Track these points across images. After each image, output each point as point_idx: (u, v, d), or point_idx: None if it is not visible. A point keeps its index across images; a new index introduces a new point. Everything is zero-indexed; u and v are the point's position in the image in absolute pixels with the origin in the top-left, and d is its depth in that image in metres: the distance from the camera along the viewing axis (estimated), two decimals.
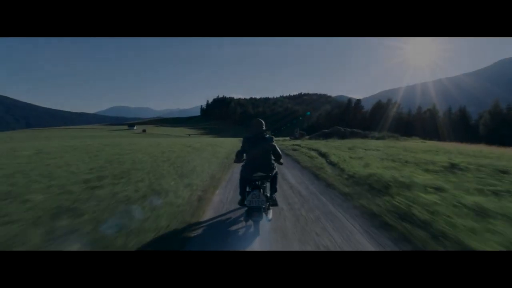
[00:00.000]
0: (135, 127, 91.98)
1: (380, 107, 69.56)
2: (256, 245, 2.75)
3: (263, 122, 3.36)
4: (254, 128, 3.33)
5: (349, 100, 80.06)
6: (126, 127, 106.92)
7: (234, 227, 3.26)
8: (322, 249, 2.69)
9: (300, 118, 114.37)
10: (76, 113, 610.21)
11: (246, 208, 3.00)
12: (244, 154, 3.43)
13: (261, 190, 3.01)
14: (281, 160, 3.41)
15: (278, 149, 3.36)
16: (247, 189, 3.23)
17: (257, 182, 3.11)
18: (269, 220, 3.15)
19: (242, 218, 3.43)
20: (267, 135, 3.36)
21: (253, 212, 2.86)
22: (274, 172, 3.38)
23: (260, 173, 3.14)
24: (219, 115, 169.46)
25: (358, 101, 76.88)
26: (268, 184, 3.36)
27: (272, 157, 3.37)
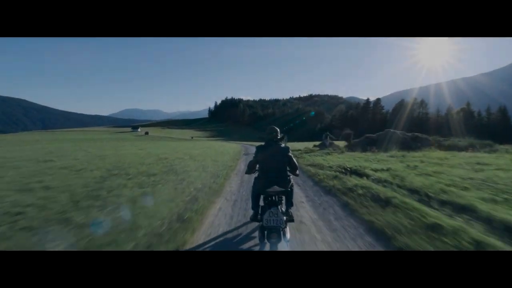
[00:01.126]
0: (139, 129, 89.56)
1: (403, 107, 62.45)
2: None
3: (278, 130, 3.13)
4: (268, 136, 3.09)
5: (368, 99, 73.21)
6: (130, 129, 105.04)
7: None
8: None
9: (304, 119, 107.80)
10: (90, 116, 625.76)
11: (260, 225, 2.77)
12: (257, 165, 3.17)
13: (279, 207, 2.67)
14: (297, 172, 3.11)
15: (294, 160, 3.06)
16: (261, 203, 3.06)
17: (274, 198, 2.82)
18: (288, 241, 2.76)
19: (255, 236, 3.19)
20: (283, 145, 3.08)
21: (271, 233, 2.50)
22: (291, 185, 3.10)
23: (277, 188, 2.80)
24: (227, 117, 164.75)
25: (378, 100, 70.02)
26: (284, 198, 3.11)
27: (288, 169, 3.05)
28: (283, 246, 2.66)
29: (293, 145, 21.27)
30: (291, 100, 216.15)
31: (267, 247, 2.66)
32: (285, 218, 2.69)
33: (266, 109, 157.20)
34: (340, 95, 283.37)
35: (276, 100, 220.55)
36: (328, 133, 21.55)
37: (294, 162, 3.04)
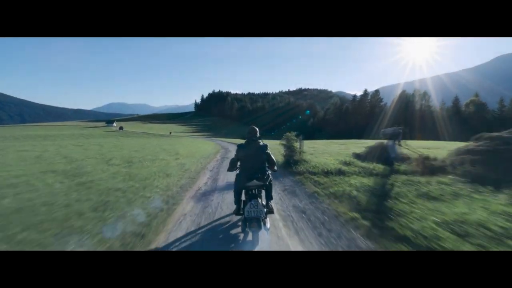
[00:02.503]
0: (114, 124, 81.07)
1: (404, 100, 57.01)
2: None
3: (257, 130, 3.44)
4: (248, 136, 3.38)
5: (365, 90, 67.39)
6: (104, 123, 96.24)
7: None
8: None
9: (300, 117, 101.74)
10: (72, 110, 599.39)
11: (243, 218, 3.02)
12: (238, 163, 3.42)
13: (259, 200, 2.97)
14: (275, 168, 3.37)
15: (272, 156, 3.37)
16: (243, 197, 3.28)
17: (254, 191, 3.07)
18: (268, 230, 3.04)
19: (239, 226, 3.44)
20: (262, 143, 3.37)
21: (252, 222, 2.79)
22: (269, 180, 3.34)
23: (256, 182, 3.07)
24: (215, 111, 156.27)
25: (376, 92, 64.39)
26: (264, 192, 3.37)
27: (267, 165, 3.37)
28: (263, 234, 2.92)
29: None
30: (281, 94, 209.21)
31: (249, 236, 2.99)
32: (265, 210, 3.00)
33: (255, 103, 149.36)
34: (329, 89, 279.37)
35: (265, 94, 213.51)
36: (400, 128, 8.44)
37: (272, 159, 3.35)
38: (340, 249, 2.69)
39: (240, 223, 3.34)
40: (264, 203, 3.14)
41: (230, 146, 20.19)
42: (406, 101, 56.23)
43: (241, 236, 3.11)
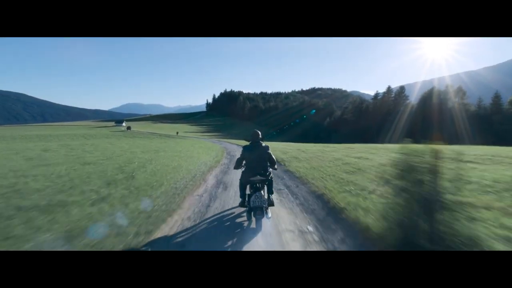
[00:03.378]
0: (123, 123, 79.89)
1: (436, 98, 50.89)
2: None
3: (260, 133, 3.93)
4: (252, 138, 3.88)
5: (389, 87, 61.52)
6: (113, 123, 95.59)
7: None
8: None
9: (305, 117, 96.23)
10: (91, 110, 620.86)
11: (247, 209, 3.52)
12: (244, 161, 3.88)
13: (262, 192, 3.44)
14: (276, 166, 3.87)
15: (273, 156, 3.83)
16: (247, 191, 3.70)
17: (258, 185, 3.56)
18: (269, 218, 3.51)
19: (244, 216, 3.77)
20: (264, 144, 3.85)
21: (257, 210, 3.26)
22: (270, 176, 3.83)
23: (259, 177, 3.56)
24: (226, 111, 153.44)
25: (401, 88, 58.40)
26: (265, 187, 3.78)
27: (268, 163, 3.82)
28: (265, 221, 3.44)
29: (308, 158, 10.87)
30: (294, 94, 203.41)
31: (253, 223, 3.44)
32: (267, 200, 3.51)
33: (268, 102, 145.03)
34: (344, 88, 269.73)
35: (278, 94, 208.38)
36: None
37: (273, 158, 3.83)
38: (340, 249, 2.75)
39: (244, 214, 3.83)
40: (266, 196, 3.60)
41: (239, 153, 16.28)
42: (436, 99, 50.18)
43: (246, 223, 3.56)
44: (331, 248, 2.85)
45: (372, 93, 64.75)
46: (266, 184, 3.74)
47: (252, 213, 3.32)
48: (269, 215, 3.53)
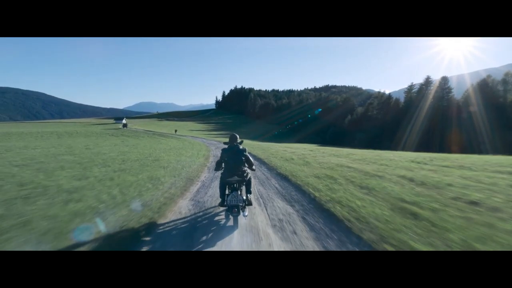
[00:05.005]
0: (123, 121, 74.62)
1: (488, 89, 40.92)
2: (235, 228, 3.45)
3: (237, 136, 4.18)
4: (230, 142, 4.06)
5: (427, 78, 51.48)
6: (112, 121, 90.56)
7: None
8: None
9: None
10: (105, 109, 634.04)
11: (226, 207, 3.62)
12: (223, 164, 4.05)
13: (239, 192, 3.75)
14: (254, 167, 4.21)
15: (250, 158, 4.09)
16: (227, 192, 3.88)
17: (235, 185, 3.80)
18: (245, 216, 3.76)
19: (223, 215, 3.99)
20: (241, 147, 4.05)
21: (233, 209, 3.45)
22: (248, 177, 4.04)
23: (236, 177, 3.78)
24: (236, 108, 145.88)
25: (444, 79, 48.35)
26: (243, 188, 4.06)
27: (246, 165, 4.03)
28: (242, 219, 3.71)
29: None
30: (306, 91, 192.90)
31: (230, 221, 3.71)
32: (244, 201, 3.70)
33: (280, 100, 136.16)
34: (359, 86, 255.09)
35: (290, 91, 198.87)
36: None
37: (250, 160, 4.10)
38: (340, 250, 2.70)
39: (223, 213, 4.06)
40: (243, 195, 3.87)
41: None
42: (490, 92, 40.31)
43: (224, 221, 3.83)
44: None
45: (387, 91, 55.88)
46: (244, 185, 4.02)
47: (230, 210, 3.49)
48: (246, 213, 3.80)
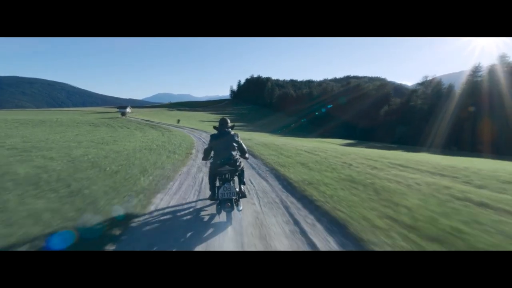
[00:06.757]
0: (127, 109, 68.90)
1: None
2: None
3: (228, 120, 3.65)
4: (219, 126, 3.58)
5: (477, 64, 39.38)
6: (116, 109, 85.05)
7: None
8: None
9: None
10: (125, 99, 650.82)
11: (217, 202, 3.16)
12: (212, 152, 3.58)
13: (232, 183, 3.17)
14: (247, 155, 3.68)
15: (243, 145, 3.61)
16: (217, 184, 3.42)
17: (227, 176, 3.25)
18: (240, 210, 3.35)
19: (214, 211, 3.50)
20: (233, 132, 3.56)
21: (226, 203, 2.98)
22: (241, 166, 3.58)
23: (227, 167, 3.26)
24: (253, 98, 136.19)
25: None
26: (236, 178, 3.59)
27: (238, 153, 3.56)
28: (236, 214, 3.24)
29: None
30: (326, 82, 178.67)
31: (223, 216, 3.21)
32: (238, 193, 3.36)
33: (300, 90, 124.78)
34: (382, 76, 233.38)
35: (310, 81, 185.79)
36: None
37: (243, 147, 3.60)
38: (339, 249, 2.60)
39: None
40: (237, 187, 3.45)
41: None
42: None
43: (216, 217, 3.32)
44: None
45: (409, 83, 45.06)
46: (237, 175, 3.57)
47: (222, 205, 3.04)
48: (240, 207, 3.42)
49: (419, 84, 55.78)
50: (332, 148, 14.87)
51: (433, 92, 49.98)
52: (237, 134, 3.57)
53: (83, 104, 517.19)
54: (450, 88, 48.02)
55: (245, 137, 17.42)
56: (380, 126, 56.12)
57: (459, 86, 47.50)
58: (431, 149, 34.63)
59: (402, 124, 49.86)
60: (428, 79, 53.82)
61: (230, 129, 3.56)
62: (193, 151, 10.42)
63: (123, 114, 59.23)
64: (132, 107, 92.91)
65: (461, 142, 40.15)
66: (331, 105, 77.94)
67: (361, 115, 64.02)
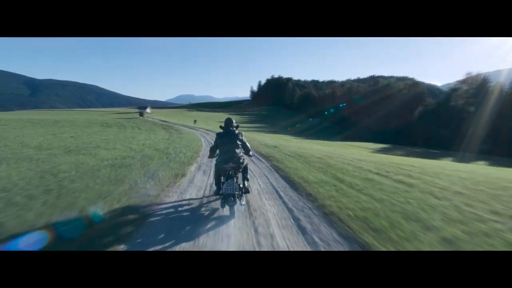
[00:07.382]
0: (147, 110, 69.44)
1: None
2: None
3: (233, 120, 3.88)
4: (225, 126, 3.80)
5: None
6: (136, 110, 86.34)
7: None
8: None
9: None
10: (149, 101, 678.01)
11: (222, 196, 3.41)
12: (217, 150, 3.79)
13: (235, 179, 3.38)
14: (251, 153, 3.88)
15: (247, 143, 3.79)
16: (222, 180, 3.56)
17: (230, 172, 3.50)
18: (242, 205, 3.59)
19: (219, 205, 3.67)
20: (237, 131, 3.76)
21: (229, 197, 3.24)
22: (245, 163, 3.75)
23: (231, 164, 3.50)
24: (274, 99, 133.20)
25: None
26: (240, 175, 3.74)
27: (242, 150, 3.75)
28: (239, 208, 3.51)
29: None
30: (349, 82, 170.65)
31: (226, 210, 3.47)
32: (240, 189, 3.50)
33: (323, 90, 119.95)
34: (410, 76, 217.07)
35: (332, 82, 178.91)
36: None
37: (247, 145, 3.79)
38: (339, 249, 2.63)
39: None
40: (240, 183, 3.59)
41: None
42: None
43: (220, 210, 3.57)
44: None
45: (439, 84, 39.08)
46: (240, 171, 3.75)
47: (225, 199, 3.30)
48: (243, 202, 3.62)
49: (460, 81, 49.93)
50: (394, 163, 9.11)
51: (479, 91, 44.27)
52: (241, 133, 3.80)
53: (111, 105, 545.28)
54: (500, 86, 42.13)
55: (269, 142, 14.75)
56: (413, 128, 51.02)
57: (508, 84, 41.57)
58: (488, 157, 29.93)
59: (440, 126, 44.66)
60: (471, 75, 47.93)
61: (235, 128, 3.80)
62: (192, 168, 6.52)
63: (141, 114, 59.61)
64: (154, 107, 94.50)
65: None
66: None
67: (390, 116, 58.97)
